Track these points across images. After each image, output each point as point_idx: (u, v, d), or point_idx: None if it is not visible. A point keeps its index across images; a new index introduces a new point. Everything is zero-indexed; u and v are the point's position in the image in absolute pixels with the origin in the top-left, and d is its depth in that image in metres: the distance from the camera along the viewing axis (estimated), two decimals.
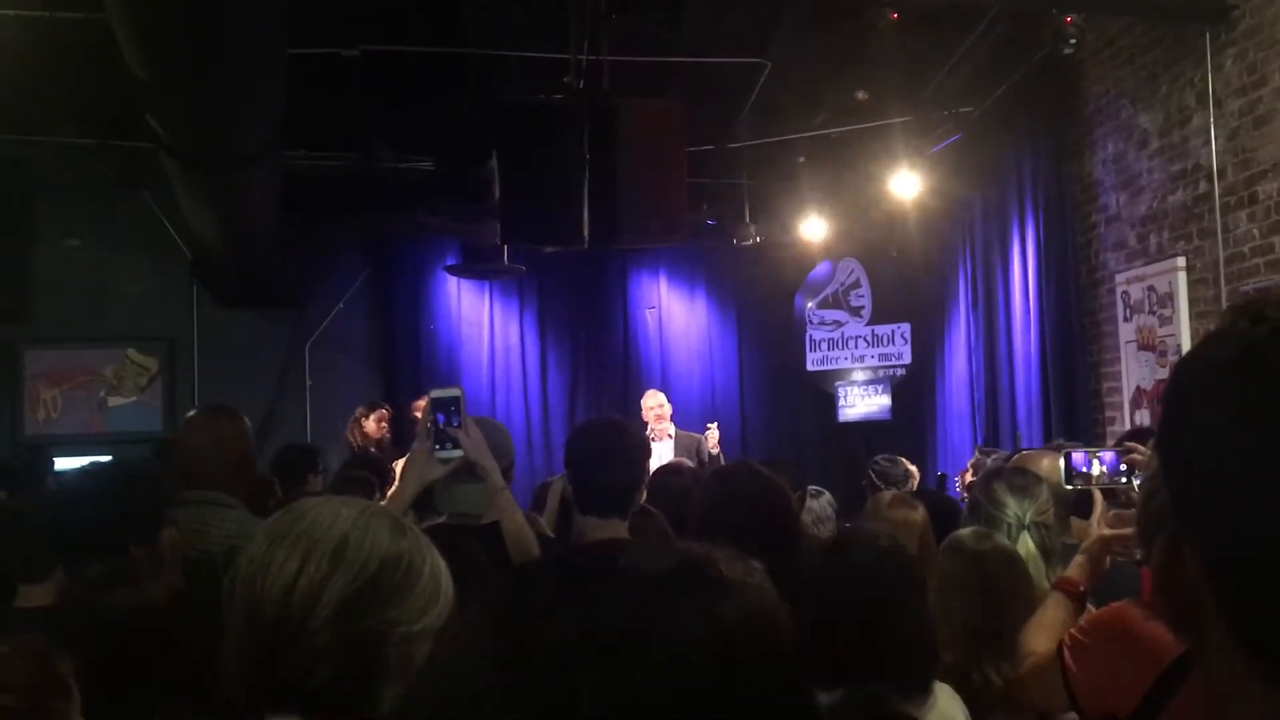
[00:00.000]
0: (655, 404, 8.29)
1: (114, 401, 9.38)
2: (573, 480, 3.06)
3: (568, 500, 3.34)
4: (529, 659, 0.67)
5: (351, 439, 8.33)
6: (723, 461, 7.41)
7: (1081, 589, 2.56)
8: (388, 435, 8.46)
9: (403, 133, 8.02)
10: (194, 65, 4.70)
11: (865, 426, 10.18)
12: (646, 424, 8.05)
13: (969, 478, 6.31)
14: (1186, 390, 0.73)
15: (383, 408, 8.55)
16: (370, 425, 8.34)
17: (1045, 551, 2.88)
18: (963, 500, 5.76)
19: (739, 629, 0.71)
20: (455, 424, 2.51)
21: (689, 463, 6.82)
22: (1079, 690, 2.25)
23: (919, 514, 3.59)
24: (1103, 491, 2.69)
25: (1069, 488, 2.85)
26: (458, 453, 2.52)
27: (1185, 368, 0.74)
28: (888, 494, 3.94)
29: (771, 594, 0.77)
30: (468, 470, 2.60)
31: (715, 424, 8.19)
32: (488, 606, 0.75)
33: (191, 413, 3.34)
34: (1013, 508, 2.95)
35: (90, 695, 1.96)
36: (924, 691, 2.21)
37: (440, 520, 2.85)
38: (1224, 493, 0.67)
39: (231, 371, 9.21)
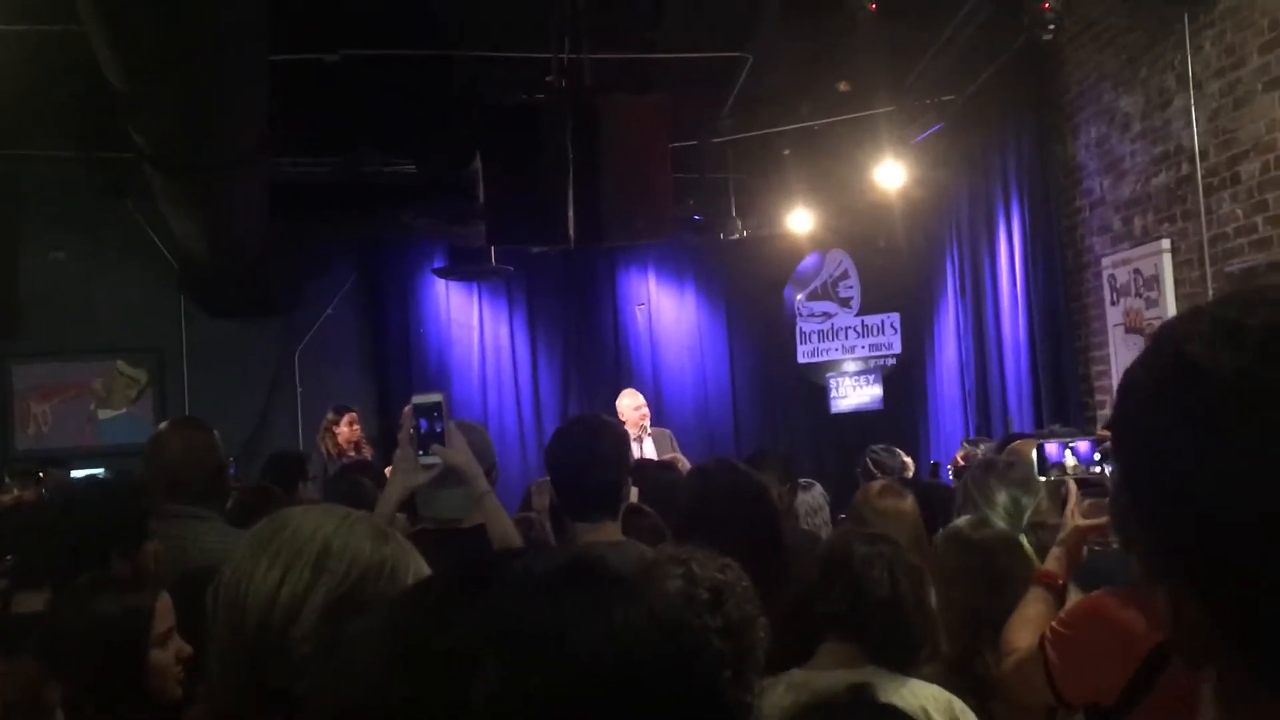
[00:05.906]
0: (631, 406, 7.94)
1: (104, 414, 9.37)
2: (556, 486, 3.01)
3: (556, 502, 3.31)
4: (426, 664, 0.68)
5: (325, 448, 7.89)
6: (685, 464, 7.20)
7: (1060, 582, 2.57)
8: (362, 436, 8.11)
9: (386, 136, 8.00)
10: (173, 76, 4.68)
11: (858, 417, 10.20)
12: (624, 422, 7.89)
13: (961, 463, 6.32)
14: (1147, 427, 0.72)
15: (350, 410, 8.17)
16: (344, 430, 7.95)
17: (1041, 555, 2.88)
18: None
19: (639, 630, 0.71)
20: (438, 430, 2.51)
21: (683, 459, 6.79)
22: (1061, 681, 2.27)
23: (908, 503, 3.59)
24: (1078, 481, 2.68)
25: (1042, 479, 2.86)
26: (440, 458, 2.52)
27: (1140, 405, 0.73)
28: (877, 483, 3.93)
29: (699, 595, 0.76)
30: (454, 475, 2.59)
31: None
32: (386, 613, 0.76)
33: (162, 425, 3.32)
34: (1004, 504, 2.96)
35: (77, 701, 1.96)
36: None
37: (423, 526, 2.84)
38: (1210, 528, 0.66)
39: (221, 381, 9.20)
